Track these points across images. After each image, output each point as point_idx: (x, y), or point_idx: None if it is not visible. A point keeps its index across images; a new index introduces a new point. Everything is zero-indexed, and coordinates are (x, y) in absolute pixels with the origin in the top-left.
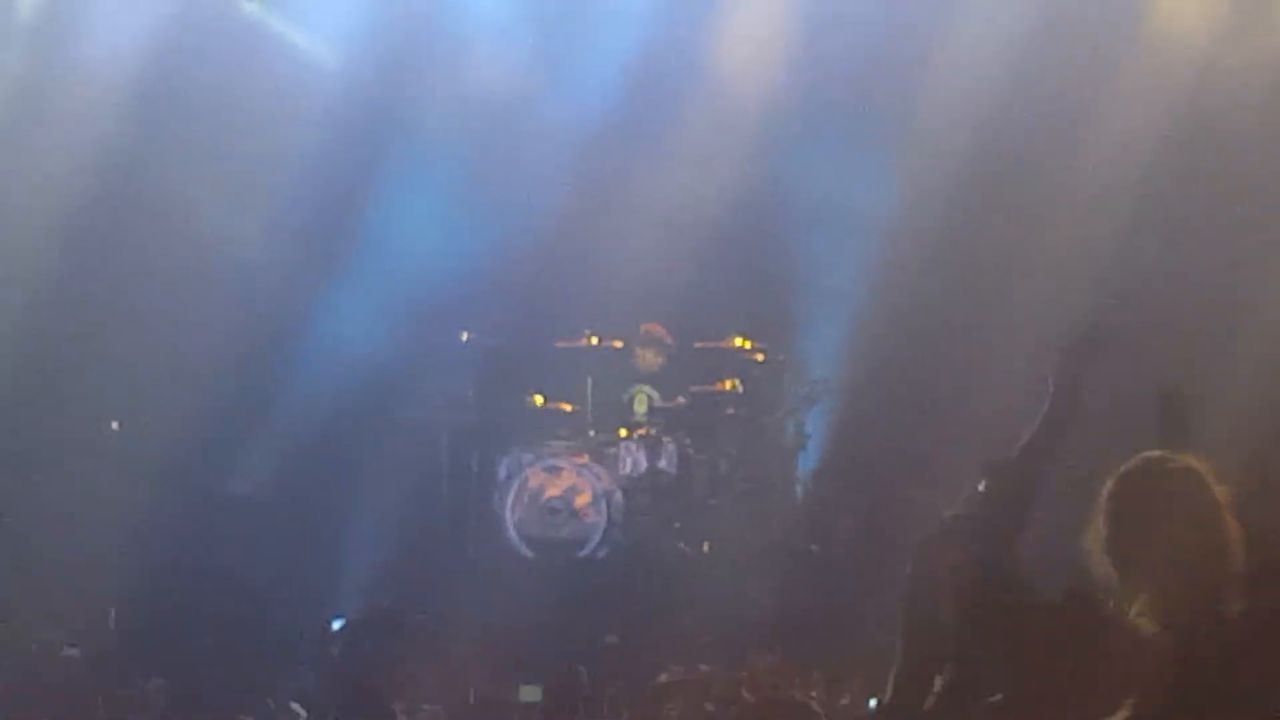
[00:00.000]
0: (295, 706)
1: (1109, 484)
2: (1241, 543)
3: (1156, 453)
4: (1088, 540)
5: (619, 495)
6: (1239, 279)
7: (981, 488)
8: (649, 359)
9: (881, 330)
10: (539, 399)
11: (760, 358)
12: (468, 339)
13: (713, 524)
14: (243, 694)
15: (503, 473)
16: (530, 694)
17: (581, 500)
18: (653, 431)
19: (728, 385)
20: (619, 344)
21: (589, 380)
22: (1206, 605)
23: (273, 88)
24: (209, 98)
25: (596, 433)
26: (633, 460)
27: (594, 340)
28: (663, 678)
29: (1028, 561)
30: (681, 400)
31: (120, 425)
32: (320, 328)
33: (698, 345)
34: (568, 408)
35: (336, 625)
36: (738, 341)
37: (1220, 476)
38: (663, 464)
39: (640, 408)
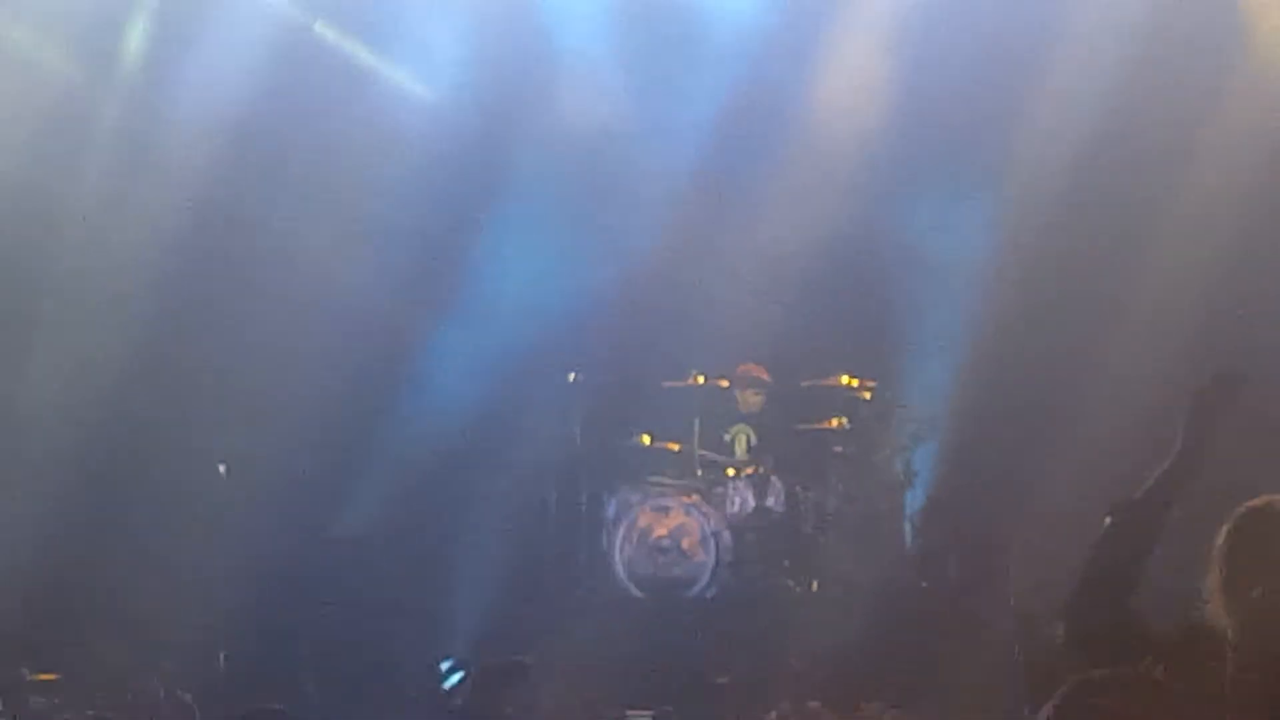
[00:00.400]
0: None
1: (1228, 526)
2: None
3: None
4: (1207, 585)
5: (727, 534)
6: None
7: (1107, 523)
8: (749, 399)
9: (988, 368)
10: (646, 438)
11: (868, 396)
12: (574, 379)
13: (821, 562)
14: None
15: (611, 512)
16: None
17: (690, 540)
18: (761, 470)
19: (835, 423)
20: (725, 383)
21: (696, 420)
22: None
23: (374, 128)
24: (310, 139)
25: (704, 471)
26: (740, 499)
27: (700, 379)
28: (772, 716)
29: (1147, 603)
30: (781, 442)
31: (228, 469)
32: (428, 369)
33: (804, 383)
34: (675, 447)
35: (445, 666)
36: (844, 380)
37: None
38: (770, 503)
39: (740, 449)
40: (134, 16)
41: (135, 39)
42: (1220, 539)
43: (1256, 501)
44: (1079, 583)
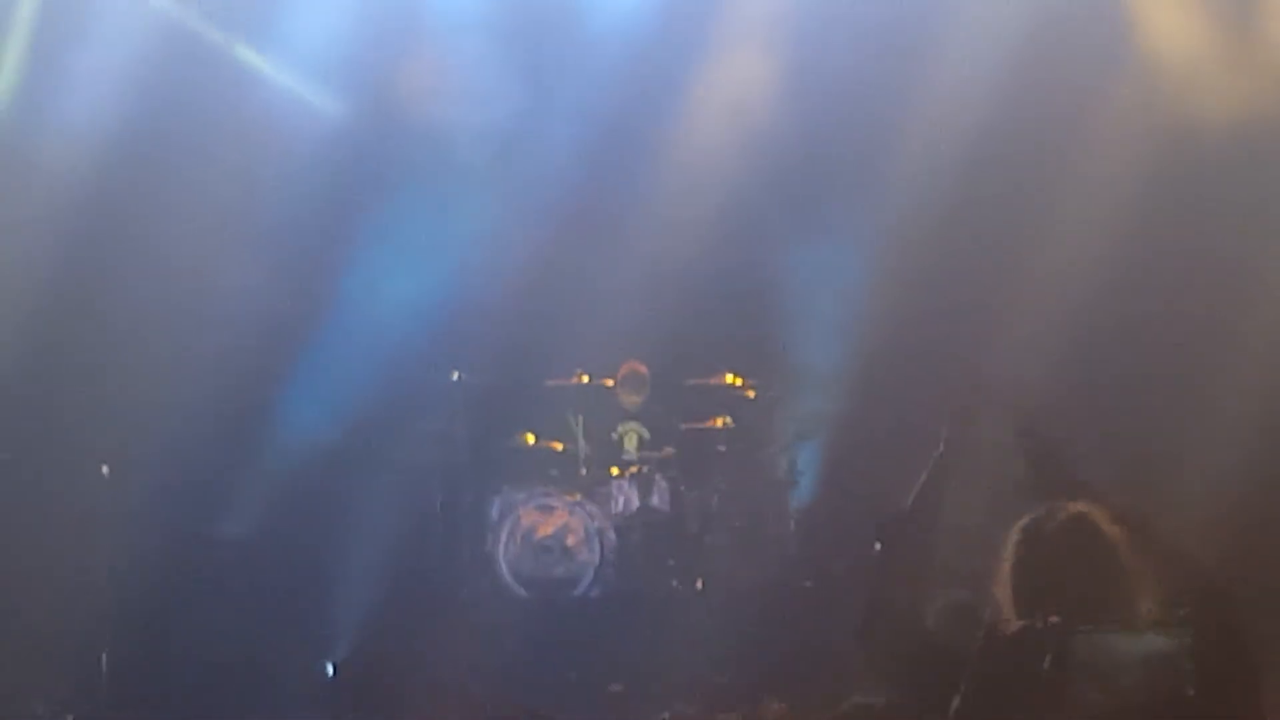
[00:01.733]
0: None
1: (1012, 535)
2: (1142, 579)
3: (1051, 503)
4: (995, 590)
5: (612, 534)
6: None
7: (878, 547)
8: (630, 397)
9: (872, 365)
10: (530, 438)
11: (751, 394)
12: (458, 378)
13: (706, 561)
14: None
15: (495, 512)
16: None
17: (574, 539)
18: (645, 469)
19: (719, 422)
20: (610, 382)
21: (580, 418)
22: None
23: (250, 126)
24: (188, 139)
25: (588, 471)
26: (625, 498)
27: (585, 378)
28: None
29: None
30: (669, 441)
31: (110, 470)
32: (309, 368)
33: (689, 382)
34: (559, 446)
35: (330, 670)
36: (728, 378)
37: (1114, 518)
38: (655, 501)
39: (630, 445)
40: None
41: (11, 37)
42: (1007, 550)
43: (1037, 512)
44: (865, 610)
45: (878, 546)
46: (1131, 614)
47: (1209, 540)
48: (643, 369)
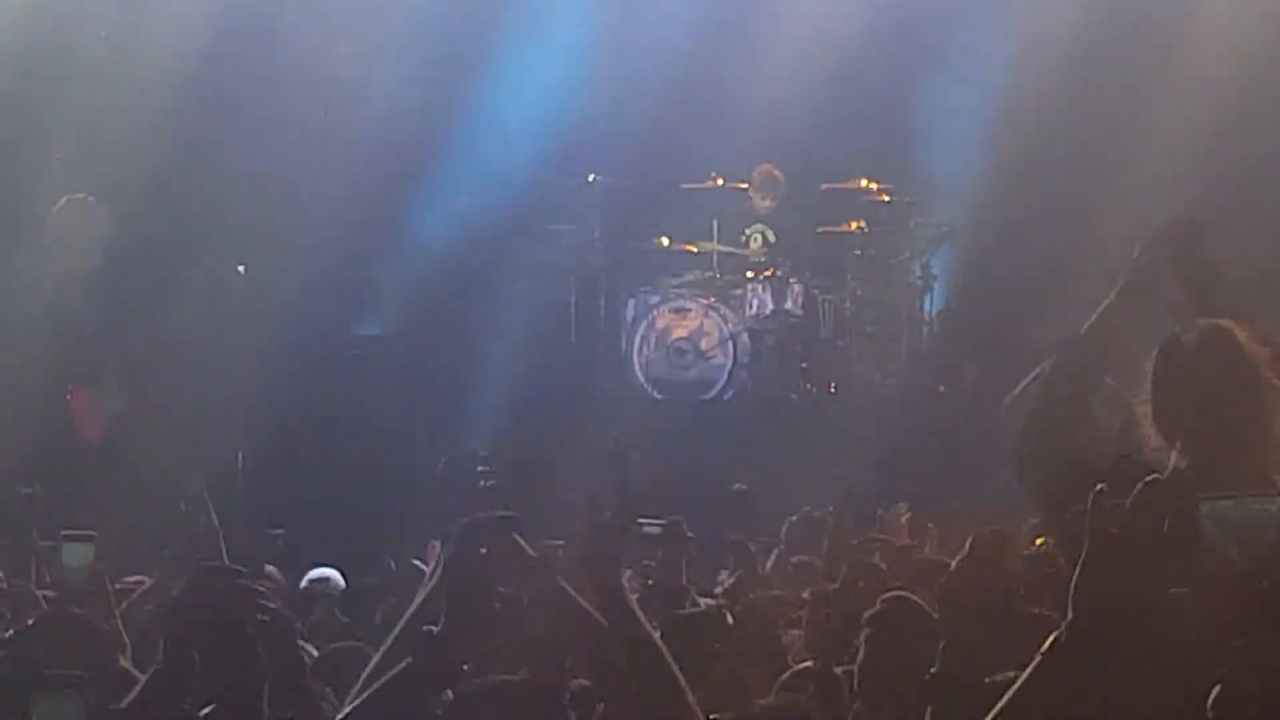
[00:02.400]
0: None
1: (1153, 356)
2: None
3: (1194, 321)
4: (1137, 413)
5: (745, 336)
6: None
7: (1049, 363)
8: (763, 201)
9: (1005, 173)
10: (665, 240)
11: (886, 199)
12: (594, 180)
13: (839, 365)
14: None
15: (630, 314)
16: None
17: (708, 341)
18: (779, 273)
19: (853, 226)
20: (745, 185)
21: (715, 222)
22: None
23: None
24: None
25: (723, 274)
26: (759, 302)
27: (720, 182)
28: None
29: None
30: (803, 242)
31: (246, 268)
32: (448, 168)
33: (824, 187)
34: (694, 249)
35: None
36: (863, 183)
37: (1261, 339)
38: (789, 305)
39: (755, 245)
40: None
41: None
42: (1147, 371)
43: (1199, 324)
44: (1026, 423)
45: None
46: (1270, 436)
47: None
48: (776, 172)
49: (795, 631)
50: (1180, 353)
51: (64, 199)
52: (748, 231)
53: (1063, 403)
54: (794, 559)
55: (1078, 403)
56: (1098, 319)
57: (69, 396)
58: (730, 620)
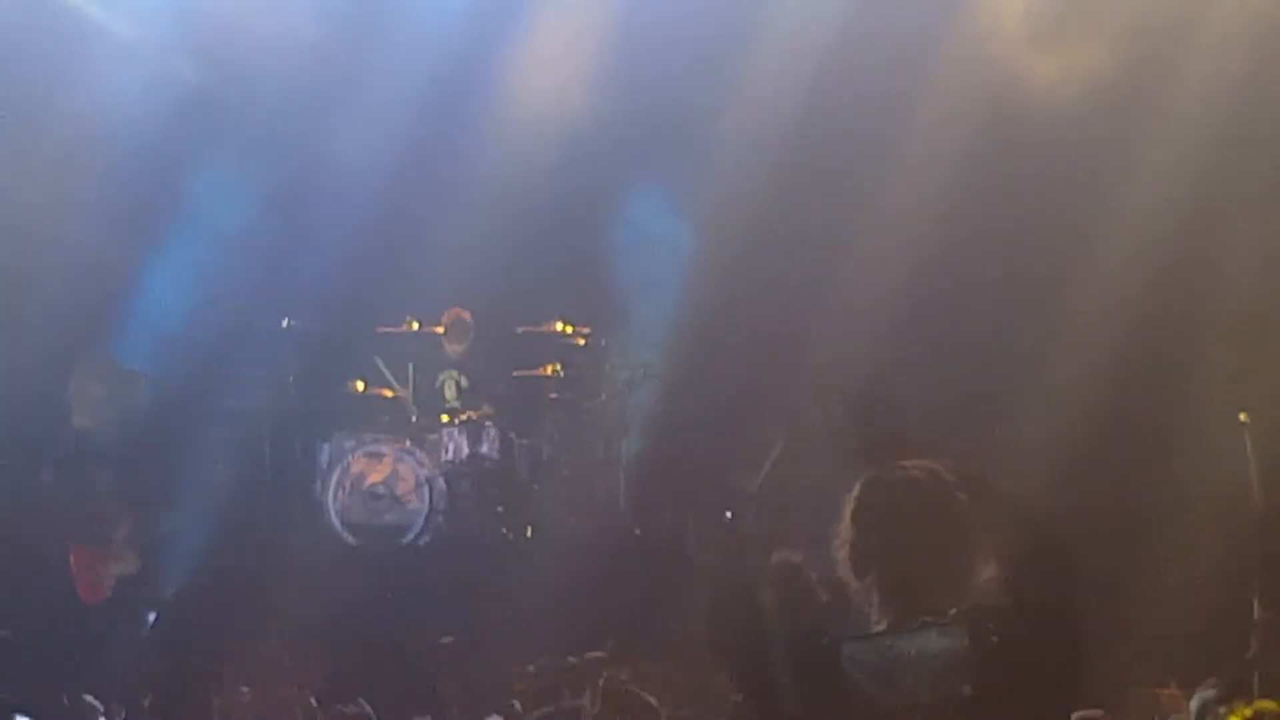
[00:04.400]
0: (89, 699)
1: (852, 493)
2: (988, 543)
3: (897, 461)
4: (834, 550)
5: (441, 481)
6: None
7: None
8: (452, 344)
9: (702, 315)
10: (360, 385)
11: (581, 342)
12: (288, 324)
13: (536, 509)
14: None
15: (325, 459)
16: None
17: (404, 486)
18: (475, 417)
19: (549, 370)
20: (440, 329)
21: (410, 366)
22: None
23: (87, 71)
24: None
25: (418, 418)
26: (455, 445)
27: (415, 325)
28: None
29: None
30: (497, 386)
31: None
32: (139, 314)
33: (519, 330)
34: (389, 394)
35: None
36: (559, 326)
37: (962, 479)
38: (484, 449)
39: (449, 394)
40: None
41: None
42: (846, 508)
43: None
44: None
45: (729, 515)
46: (968, 578)
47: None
48: (466, 315)
49: None
50: (883, 496)
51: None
52: (441, 377)
53: (743, 555)
54: None
55: (760, 553)
56: (769, 470)
57: None
58: None
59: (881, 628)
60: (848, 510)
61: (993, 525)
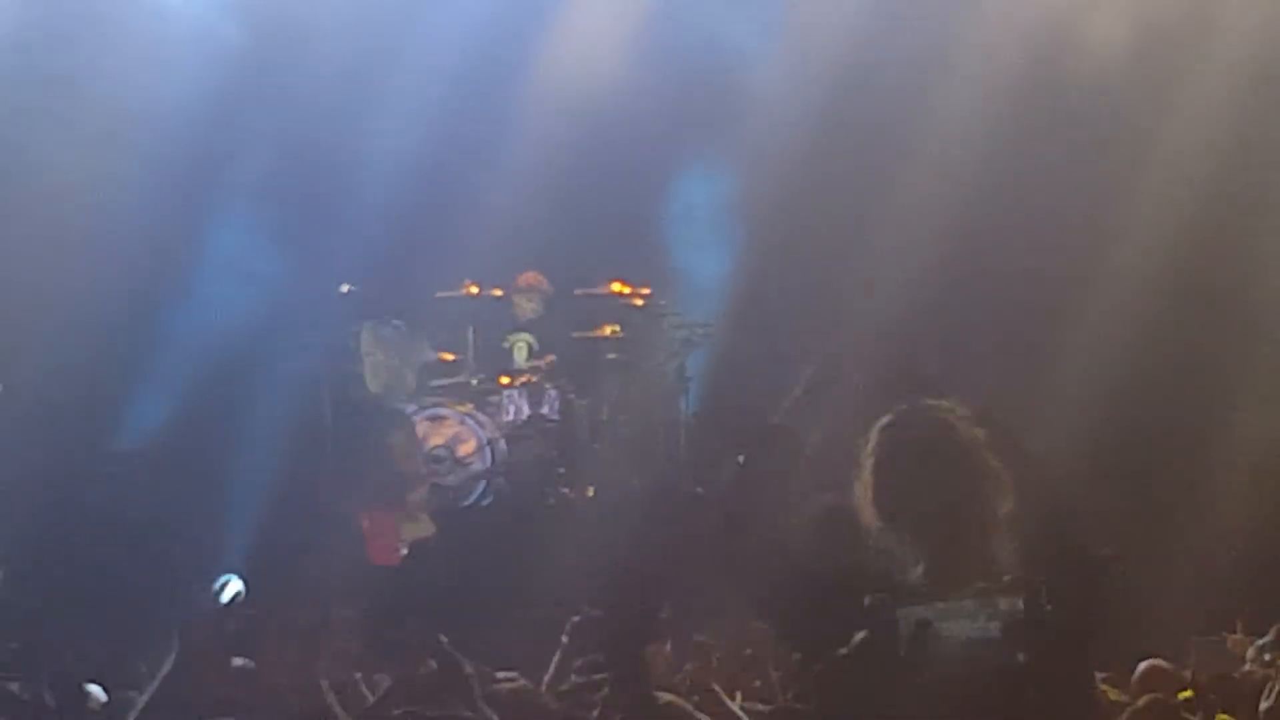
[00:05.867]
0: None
1: (872, 436)
2: (1003, 480)
3: (914, 401)
4: (855, 494)
5: (502, 443)
6: None
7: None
8: (526, 307)
9: (760, 275)
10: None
11: (639, 303)
12: (348, 290)
13: (596, 469)
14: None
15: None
16: None
17: (465, 449)
18: (535, 379)
19: (607, 331)
20: (499, 292)
21: (470, 329)
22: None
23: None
24: (62, 55)
25: (479, 381)
26: (515, 408)
27: (475, 289)
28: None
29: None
30: (559, 350)
31: (3, 387)
32: (201, 280)
33: (577, 292)
34: (449, 357)
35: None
36: (616, 287)
37: (979, 419)
38: (545, 410)
39: (520, 355)
40: None
41: None
42: (866, 450)
43: (885, 418)
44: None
45: (740, 460)
46: (989, 516)
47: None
48: (542, 279)
49: None
50: (899, 435)
51: None
52: (511, 339)
53: (759, 487)
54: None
55: (774, 485)
56: (789, 407)
57: None
58: None
59: (919, 575)
60: (869, 449)
61: (1028, 478)
